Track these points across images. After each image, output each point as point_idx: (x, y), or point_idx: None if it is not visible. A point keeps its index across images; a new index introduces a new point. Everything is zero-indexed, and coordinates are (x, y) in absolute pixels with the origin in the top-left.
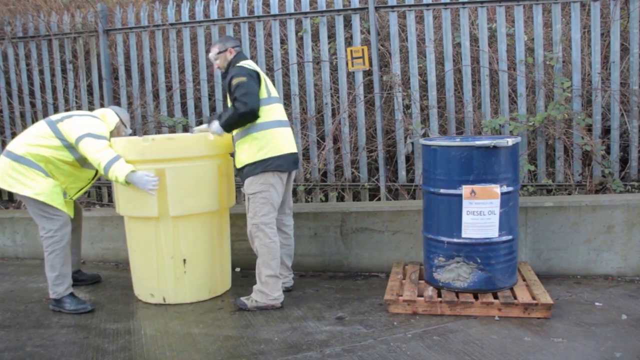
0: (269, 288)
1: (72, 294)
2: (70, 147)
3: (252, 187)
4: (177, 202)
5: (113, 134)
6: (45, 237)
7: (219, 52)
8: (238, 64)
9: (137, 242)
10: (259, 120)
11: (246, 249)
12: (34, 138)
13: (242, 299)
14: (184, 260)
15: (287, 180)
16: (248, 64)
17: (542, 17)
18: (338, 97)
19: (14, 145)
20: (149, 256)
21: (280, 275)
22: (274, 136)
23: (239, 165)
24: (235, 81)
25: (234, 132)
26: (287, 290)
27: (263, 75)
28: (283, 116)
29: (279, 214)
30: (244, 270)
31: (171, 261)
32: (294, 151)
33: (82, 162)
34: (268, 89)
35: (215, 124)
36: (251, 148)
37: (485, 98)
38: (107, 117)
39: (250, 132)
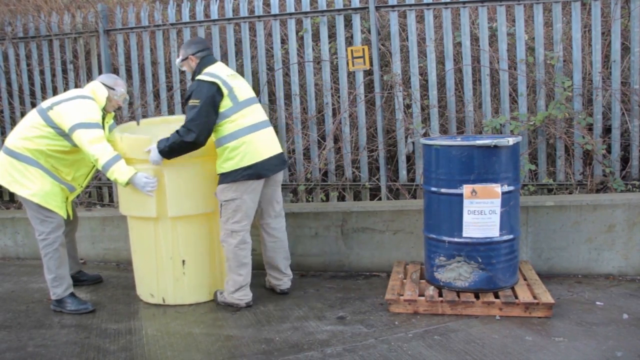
0: (236, 294)
1: (72, 294)
2: (65, 135)
3: (224, 194)
4: (175, 202)
5: (107, 106)
6: (38, 240)
7: (182, 60)
8: (198, 76)
9: (137, 242)
10: (228, 131)
11: None
12: (28, 130)
13: (218, 291)
14: (183, 262)
15: (270, 183)
16: (210, 73)
17: (543, 16)
18: (339, 96)
19: (11, 141)
20: (148, 256)
21: (247, 284)
22: (246, 143)
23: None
24: (190, 103)
25: (212, 137)
26: (282, 293)
27: (228, 83)
28: (256, 119)
29: (264, 218)
30: None
31: (170, 262)
32: (273, 154)
33: None
34: (234, 95)
35: (154, 153)
36: (220, 158)
37: (486, 97)
38: (97, 92)
39: (221, 143)
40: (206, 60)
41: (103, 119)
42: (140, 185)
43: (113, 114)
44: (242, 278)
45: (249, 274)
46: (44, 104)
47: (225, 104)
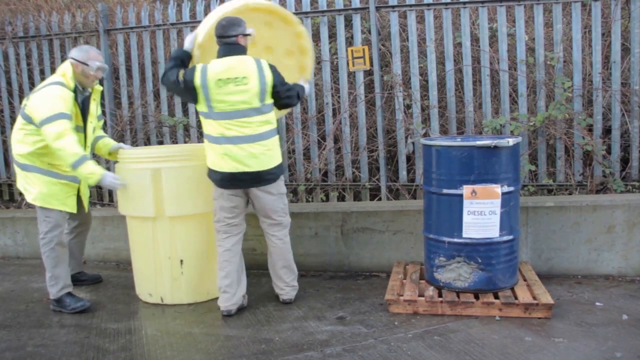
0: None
1: (69, 294)
2: None
3: (213, 191)
4: (173, 202)
5: (85, 83)
6: (39, 240)
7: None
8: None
9: (136, 242)
10: (204, 128)
11: (247, 248)
12: (17, 132)
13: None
14: (181, 261)
15: (252, 196)
16: (204, 67)
17: (543, 17)
18: (339, 96)
19: (13, 149)
20: (147, 256)
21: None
22: (211, 149)
23: None
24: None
25: None
26: (284, 303)
27: (208, 85)
28: (234, 132)
29: (261, 224)
30: None
31: (168, 262)
32: (241, 170)
33: None
34: (209, 103)
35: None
36: None
37: (486, 98)
38: (67, 74)
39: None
40: (219, 50)
41: (89, 96)
42: (111, 186)
43: (100, 87)
44: (220, 283)
45: (227, 278)
46: (23, 102)
47: (200, 107)
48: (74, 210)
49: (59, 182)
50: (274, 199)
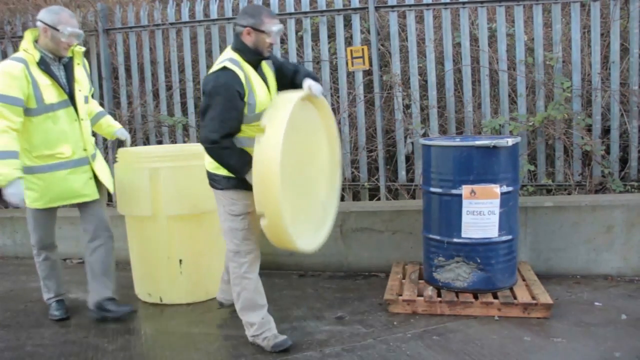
0: None
1: (58, 301)
2: None
3: None
4: (171, 202)
5: (59, 49)
6: None
7: None
8: None
9: (135, 241)
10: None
11: None
12: None
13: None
14: (180, 261)
15: None
16: None
17: (542, 17)
18: (338, 96)
19: None
20: (145, 255)
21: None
22: None
23: None
24: None
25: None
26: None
27: None
28: None
29: None
30: None
31: (167, 261)
32: None
33: (33, 111)
34: None
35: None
36: None
37: (485, 98)
38: (28, 46)
39: None
40: None
41: (71, 62)
42: (8, 195)
43: (82, 48)
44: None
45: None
46: None
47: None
48: (96, 197)
49: (67, 173)
50: (218, 208)
